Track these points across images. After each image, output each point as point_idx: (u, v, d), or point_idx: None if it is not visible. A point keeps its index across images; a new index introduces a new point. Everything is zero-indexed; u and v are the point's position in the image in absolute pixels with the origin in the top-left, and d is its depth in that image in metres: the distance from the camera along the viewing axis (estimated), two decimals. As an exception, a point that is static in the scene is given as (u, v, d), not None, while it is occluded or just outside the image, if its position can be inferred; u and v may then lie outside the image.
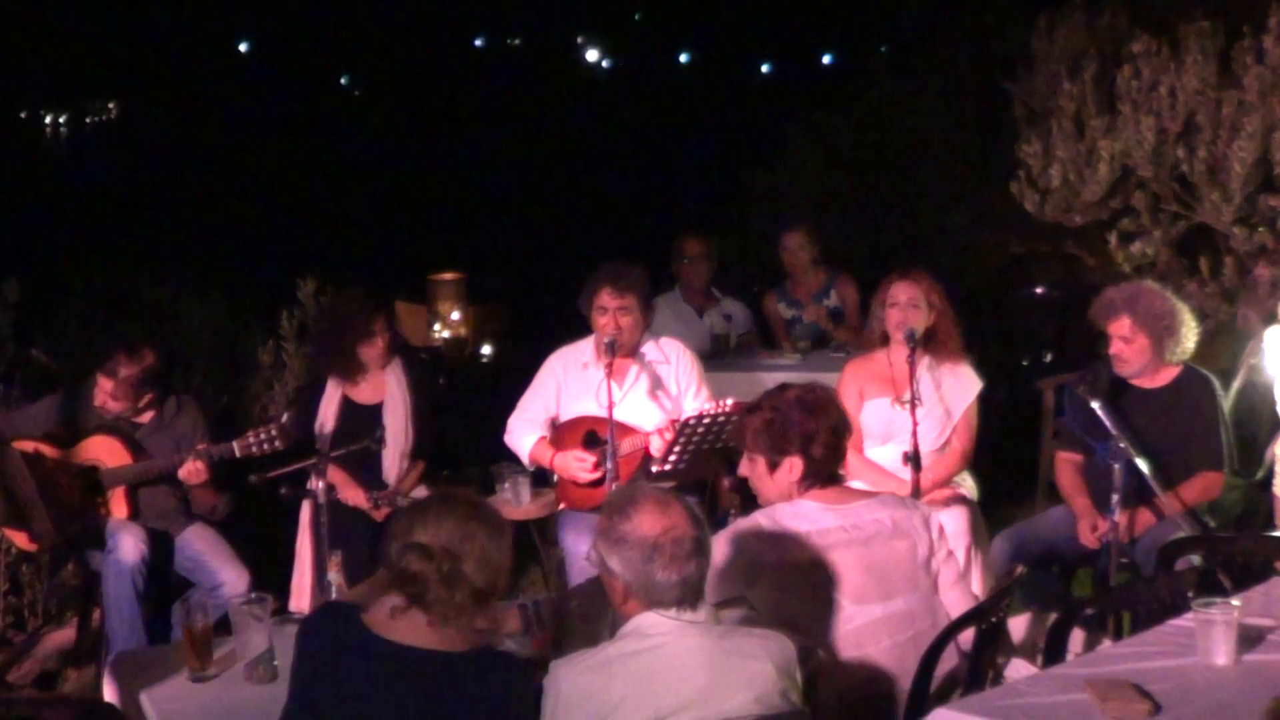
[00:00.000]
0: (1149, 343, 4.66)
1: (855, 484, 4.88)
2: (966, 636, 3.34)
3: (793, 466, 3.40)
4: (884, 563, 3.34)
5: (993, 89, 7.83)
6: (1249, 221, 6.02)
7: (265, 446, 4.67)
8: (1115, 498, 4.30)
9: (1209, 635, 3.02)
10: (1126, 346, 4.68)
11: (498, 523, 2.74)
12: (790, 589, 3.29)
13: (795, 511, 3.36)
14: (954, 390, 4.90)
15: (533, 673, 2.75)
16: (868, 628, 3.30)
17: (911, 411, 4.58)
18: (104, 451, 4.81)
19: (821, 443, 3.38)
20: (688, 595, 2.77)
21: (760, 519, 3.37)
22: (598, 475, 4.78)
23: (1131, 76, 6.17)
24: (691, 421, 4.35)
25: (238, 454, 4.71)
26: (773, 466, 3.43)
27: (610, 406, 4.62)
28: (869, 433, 4.86)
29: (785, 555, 3.29)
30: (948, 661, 3.29)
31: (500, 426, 5.13)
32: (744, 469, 3.54)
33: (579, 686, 2.70)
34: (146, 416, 4.90)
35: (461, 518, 2.68)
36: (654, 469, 4.59)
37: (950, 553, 3.51)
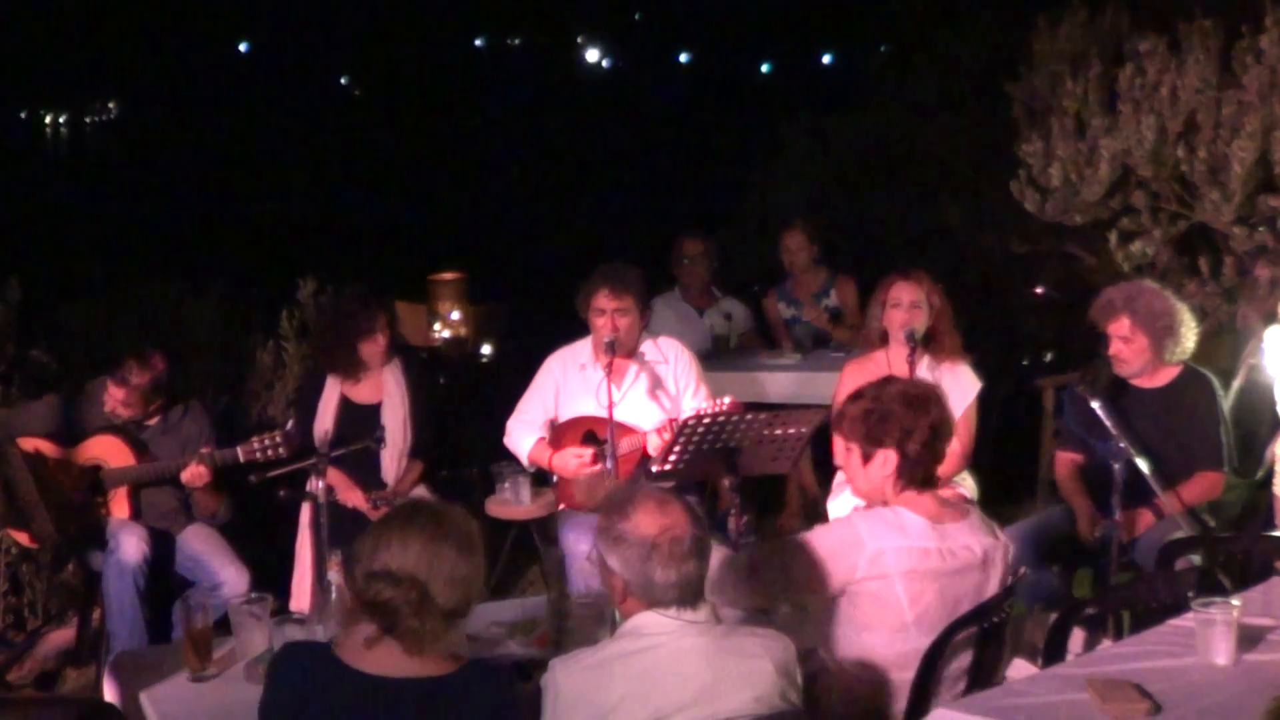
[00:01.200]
0: (1148, 343, 4.66)
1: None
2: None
3: (886, 460, 3.30)
4: (958, 594, 3.27)
5: (993, 89, 7.83)
6: (1249, 221, 6.01)
7: (269, 453, 4.68)
8: (1115, 498, 4.30)
9: (1209, 635, 3.02)
10: (1126, 346, 4.68)
11: (466, 536, 2.61)
12: (868, 601, 3.24)
13: (899, 523, 3.26)
14: (953, 390, 4.88)
15: (519, 681, 2.72)
16: (915, 653, 3.23)
17: (912, 411, 4.57)
18: (107, 451, 4.81)
19: (919, 440, 3.28)
20: (687, 595, 2.76)
21: (862, 530, 3.25)
22: (596, 469, 4.78)
23: (1134, 75, 6.17)
24: (691, 422, 4.35)
25: (241, 459, 4.72)
26: (866, 458, 3.34)
27: (610, 407, 4.62)
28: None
29: (878, 569, 3.21)
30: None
31: (500, 426, 5.13)
32: (838, 456, 3.45)
33: (579, 685, 2.70)
34: (153, 419, 4.90)
35: (428, 537, 2.55)
36: (654, 469, 4.59)
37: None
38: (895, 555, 3.21)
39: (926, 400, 3.36)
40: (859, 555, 3.21)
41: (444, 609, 2.54)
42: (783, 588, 3.32)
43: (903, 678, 3.25)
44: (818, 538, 3.30)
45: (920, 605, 3.23)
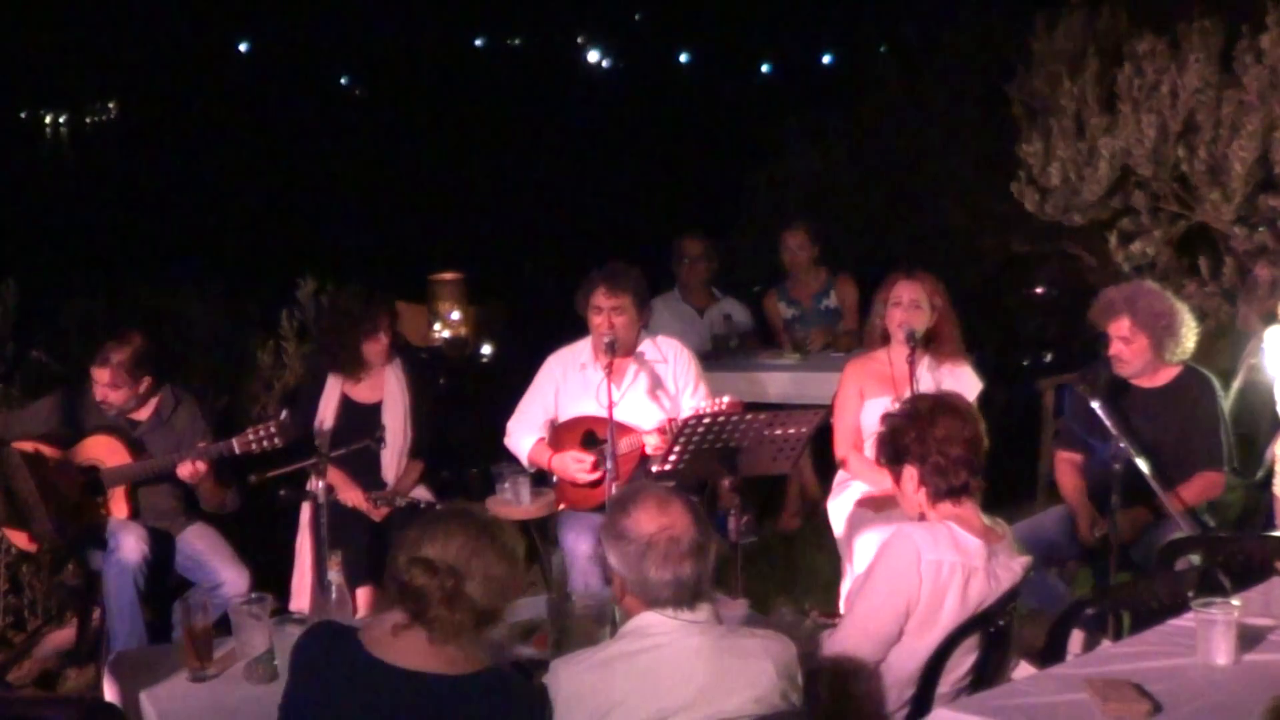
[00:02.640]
0: (1149, 343, 4.66)
1: (857, 483, 4.91)
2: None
3: (910, 475, 3.35)
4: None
5: (993, 89, 7.83)
6: (1249, 221, 6.02)
7: (265, 443, 4.66)
8: (1115, 498, 4.30)
9: (1209, 635, 3.02)
10: (1126, 347, 4.68)
11: (510, 544, 2.66)
12: (915, 619, 3.25)
13: (953, 539, 3.26)
14: (954, 390, 4.89)
15: (538, 693, 2.72)
16: (919, 656, 3.25)
17: (912, 411, 4.57)
18: (104, 451, 4.81)
19: (935, 450, 3.31)
20: (684, 595, 2.76)
21: (917, 539, 3.24)
22: (597, 475, 4.79)
23: (1134, 75, 6.18)
24: (691, 422, 4.36)
25: (237, 451, 4.70)
26: (896, 478, 3.40)
27: (610, 406, 4.62)
28: (870, 432, 4.85)
29: (937, 580, 3.22)
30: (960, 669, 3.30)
31: (500, 427, 5.14)
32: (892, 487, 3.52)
33: (580, 685, 2.70)
34: (145, 413, 4.89)
35: (472, 535, 2.60)
36: (654, 469, 4.59)
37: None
38: (951, 570, 3.22)
39: (933, 411, 3.37)
40: (918, 565, 3.21)
41: (476, 606, 2.58)
42: (886, 643, 3.27)
43: (904, 679, 3.26)
44: (877, 579, 3.27)
45: (950, 617, 3.24)
